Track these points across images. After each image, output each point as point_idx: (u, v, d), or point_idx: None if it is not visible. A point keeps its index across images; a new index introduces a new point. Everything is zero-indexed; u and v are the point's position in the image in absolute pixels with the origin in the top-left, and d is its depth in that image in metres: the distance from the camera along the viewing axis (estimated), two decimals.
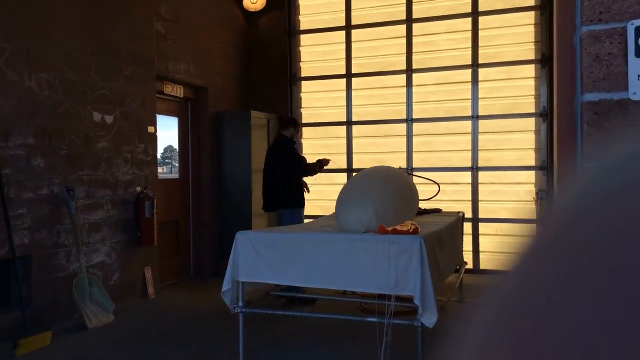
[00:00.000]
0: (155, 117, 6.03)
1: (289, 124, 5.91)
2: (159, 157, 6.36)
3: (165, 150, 7.24)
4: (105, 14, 5.32)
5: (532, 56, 6.71)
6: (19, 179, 4.42)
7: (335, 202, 4.02)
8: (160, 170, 6.97)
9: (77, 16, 5.00)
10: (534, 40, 6.70)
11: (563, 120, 1.64)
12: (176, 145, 6.95)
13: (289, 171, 5.56)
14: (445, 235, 4.14)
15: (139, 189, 5.72)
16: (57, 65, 4.79)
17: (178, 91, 6.60)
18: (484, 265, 6.91)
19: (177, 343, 4.35)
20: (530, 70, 6.75)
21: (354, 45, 7.48)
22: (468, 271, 5.99)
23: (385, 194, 3.97)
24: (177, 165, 7.01)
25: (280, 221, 5.64)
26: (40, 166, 4.62)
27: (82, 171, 5.05)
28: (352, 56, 7.48)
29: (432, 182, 5.65)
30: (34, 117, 4.56)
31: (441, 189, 5.71)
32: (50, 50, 4.73)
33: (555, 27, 1.53)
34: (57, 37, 4.79)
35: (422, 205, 5.48)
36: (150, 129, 5.94)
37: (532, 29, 6.72)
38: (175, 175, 7.01)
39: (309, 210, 7.79)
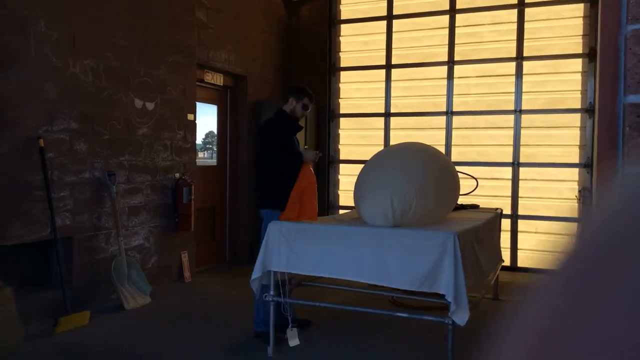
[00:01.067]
0: (195, 104, 6.11)
1: (288, 92, 4.52)
2: (199, 142, 6.44)
3: (207, 135, 7.34)
4: (148, 2, 5.40)
5: (579, 50, 6.48)
6: (62, 162, 4.56)
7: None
8: (201, 154, 7.07)
9: (120, 4, 5.09)
10: (581, 34, 6.46)
11: (604, 122, 1.58)
12: (216, 131, 7.04)
13: (272, 160, 4.20)
14: (482, 232, 4.06)
15: (177, 174, 5.82)
16: (101, 52, 4.90)
17: (218, 79, 6.66)
18: (521, 262, 6.77)
19: (210, 326, 4.43)
20: (577, 64, 6.52)
21: (394, 36, 7.39)
22: (505, 268, 5.89)
23: (417, 178, 3.61)
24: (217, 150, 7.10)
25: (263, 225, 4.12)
26: (82, 150, 4.75)
27: (122, 156, 5.17)
28: (392, 46, 7.39)
29: (470, 177, 5.54)
30: (77, 103, 4.69)
31: (480, 184, 5.60)
32: (95, 38, 4.83)
33: (600, 24, 1.47)
34: (101, 24, 4.89)
35: (460, 200, 5.40)
36: (190, 117, 6.03)
37: (580, 21, 6.49)
38: (213, 161, 7.10)
39: (344, 200, 7.80)
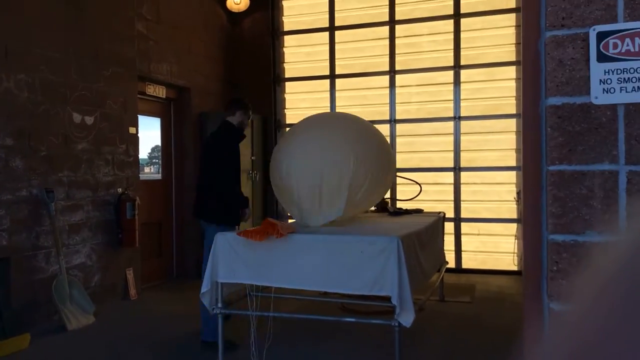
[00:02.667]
0: (137, 117, 6.00)
1: (234, 105, 4.52)
2: (145, 157, 6.32)
3: (153, 150, 7.21)
4: (85, 14, 5.29)
5: (512, 57, 6.78)
6: None
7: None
8: (147, 170, 6.93)
9: (56, 17, 4.96)
10: (514, 42, 6.77)
11: (528, 123, 1.67)
12: (160, 145, 6.92)
13: (224, 173, 4.24)
14: (425, 235, 4.17)
15: (120, 189, 5.69)
16: (36, 66, 4.75)
17: (160, 91, 6.57)
18: (465, 264, 6.97)
19: (157, 344, 4.34)
20: (511, 71, 6.82)
21: (337, 46, 7.51)
22: (450, 270, 6.05)
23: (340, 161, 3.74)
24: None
25: (204, 239, 4.36)
26: (18, 167, 4.58)
27: (61, 172, 5.01)
28: (336, 57, 7.51)
29: (414, 182, 5.69)
30: (12, 118, 4.52)
31: (424, 189, 5.75)
32: (29, 51, 4.69)
33: (522, 31, 1.56)
34: (36, 38, 4.75)
35: (404, 205, 5.52)
36: (132, 130, 5.91)
37: (512, 30, 6.79)
38: (158, 176, 6.98)
39: None
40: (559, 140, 1.51)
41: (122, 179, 5.74)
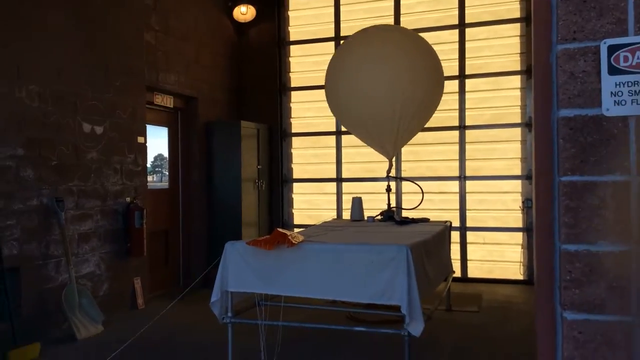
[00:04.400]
0: (145, 127, 6.06)
1: None
2: (148, 165, 6.37)
3: (155, 158, 7.25)
4: (95, 26, 5.35)
5: (517, 67, 6.82)
6: (7, 190, 4.42)
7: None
8: (150, 178, 6.97)
9: (67, 28, 5.03)
10: (519, 52, 6.81)
11: (540, 134, 1.70)
12: (165, 154, 6.97)
13: None
14: (432, 244, 4.19)
15: (128, 199, 5.73)
16: (47, 76, 4.81)
17: (168, 101, 6.63)
18: (471, 273, 6.97)
19: (166, 354, 4.35)
20: (516, 80, 6.85)
21: None
22: (456, 279, 6.05)
23: None
24: (167, 173, 7.02)
25: None
26: (29, 177, 4.63)
27: (71, 182, 5.06)
28: None
29: (417, 185, 5.73)
30: (23, 128, 4.58)
31: (430, 198, 5.78)
32: (40, 62, 4.74)
33: (533, 44, 1.59)
34: (46, 49, 4.81)
35: (410, 214, 5.54)
36: (140, 139, 5.96)
37: (517, 40, 6.84)
38: (164, 184, 7.02)
39: (298, 219, 7.84)
40: (571, 151, 1.53)
41: (130, 188, 5.79)
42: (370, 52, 5.11)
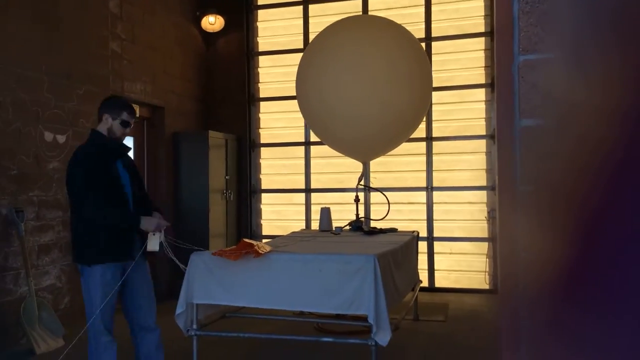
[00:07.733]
0: None
1: (103, 108, 3.46)
2: None
3: None
4: (59, 34, 5.25)
5: (482, 80, 6.95)
6: None
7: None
8: None
9: (29, 35, 4.92)
10: (484, 65, 6.95)
11: (503, 144, 1.73)
12: None
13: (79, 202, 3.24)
14: (400, 254, 4.21)
15: None
16: (7, 84, 4.68)
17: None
18: (438, 283, 7.03)
19: None
20: (481, 93, 6.99)
21: None
22: (423, 289, 6.09)
23: None
24: None
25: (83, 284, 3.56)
26: None
27: (32, 192, 4.92)
28: None
29: (384, 196, 5.78)
30: None
31: (398, 209, 5.82)
32: (0, 69, 4.62)
33: (495, 56, 1.62)
34: (7, 56, 4.69)
35: (378, 225, 5.57)
36: None
37: (482, 54, 6.98)
38: None
39: (267, 230, 7.79)
40: (532, 161, 1.56)
41: None
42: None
